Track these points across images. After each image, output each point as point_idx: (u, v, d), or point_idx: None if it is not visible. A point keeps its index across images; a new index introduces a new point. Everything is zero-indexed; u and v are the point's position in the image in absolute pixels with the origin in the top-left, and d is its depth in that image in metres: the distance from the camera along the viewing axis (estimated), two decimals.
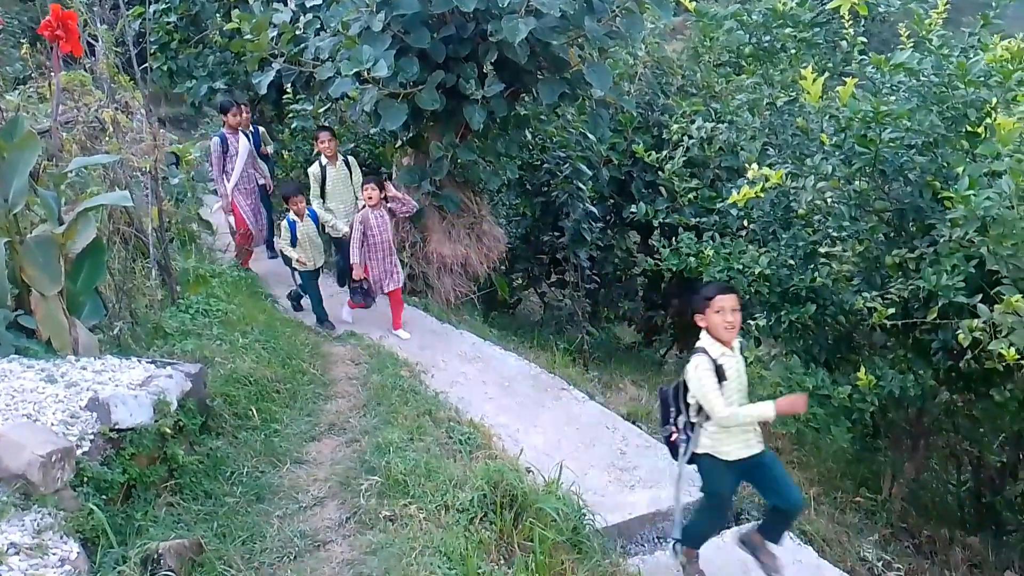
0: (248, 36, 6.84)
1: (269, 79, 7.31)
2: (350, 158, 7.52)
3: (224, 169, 7.45)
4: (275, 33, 7.21)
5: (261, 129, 8.79)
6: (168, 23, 11.00)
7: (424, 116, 6.85)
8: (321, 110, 8.94)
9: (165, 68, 11.35)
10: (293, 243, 6.75)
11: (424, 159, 7.38)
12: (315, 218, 7.02)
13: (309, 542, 3.52)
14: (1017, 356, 3.41)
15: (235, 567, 3.25)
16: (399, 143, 7.80)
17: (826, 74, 4.49)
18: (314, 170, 7.20)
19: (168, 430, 3.64)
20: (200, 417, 4.03)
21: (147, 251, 5.56)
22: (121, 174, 5.35)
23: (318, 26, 7.15)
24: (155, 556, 3.09)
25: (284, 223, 6.80)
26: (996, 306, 3.54)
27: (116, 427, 3.45)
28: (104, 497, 3.29)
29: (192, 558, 3.22)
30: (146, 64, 5.73)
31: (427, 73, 6.34)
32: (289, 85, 8.44)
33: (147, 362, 4.10)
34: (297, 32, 7.34)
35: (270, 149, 9.03)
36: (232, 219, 7.67)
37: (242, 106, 8.06)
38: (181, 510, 3.57)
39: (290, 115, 9.77)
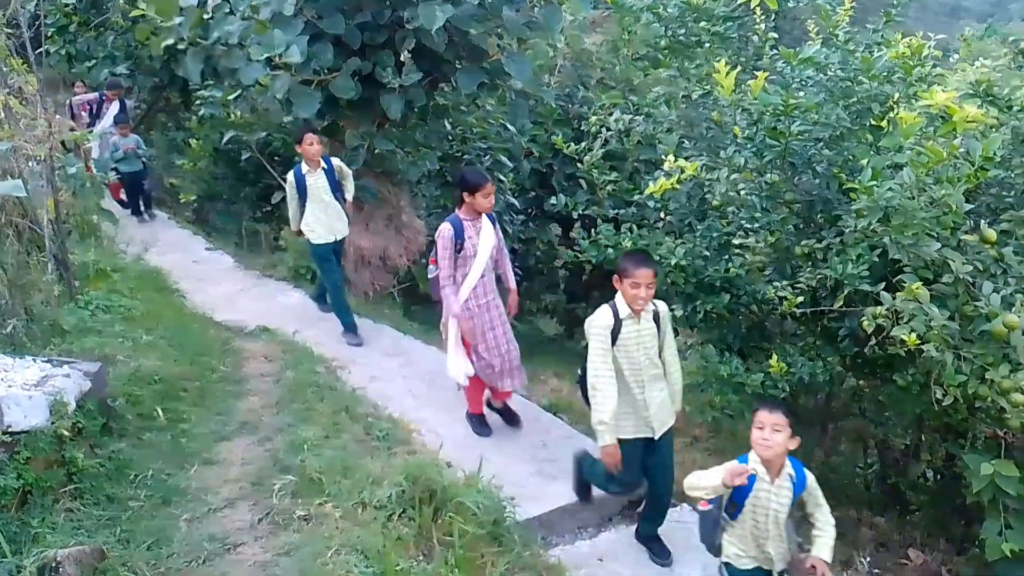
0: (153, 19, 6.54)
1: (200, 66, 6.94)
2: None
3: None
4: (180, 20, 6.90)
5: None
6: (66, 5, 10.42)
7: (339, 104, 6.69)
8: (231, 97, 8.63)
9: (63, 52, 10.76)
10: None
11: (340, 148, 7.22)
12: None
13: (219, 545, 3.39)
14: (918, 341, 3.54)
15: (140, 573, 3.11)
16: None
17: (739, 68, 4.57)
18: (291, 178, 6.13)
19: (66, 432, 3.46)
20: (101, 418, 3.84)
21: (43, 244, 5.27)
22: (14, 163, 5.05)
23: (227, 10, 6.88)
24: (53, 564, 2.95)
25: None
26: (898, 293, 3.67)
27: (9, 430, 3.27)
28: None
29: (94, 565, 3.07)
30: (42, 48, 5.41)
31: (342, 60, 6.19)
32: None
33: (43, 361, 3.89)
34: (205, 16, 7.05)
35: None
36: None
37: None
38: (82, 516, 3.40)
39: (198, 102, 9.41)
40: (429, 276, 4.88)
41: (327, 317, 6.71)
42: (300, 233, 6.31)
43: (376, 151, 7.15)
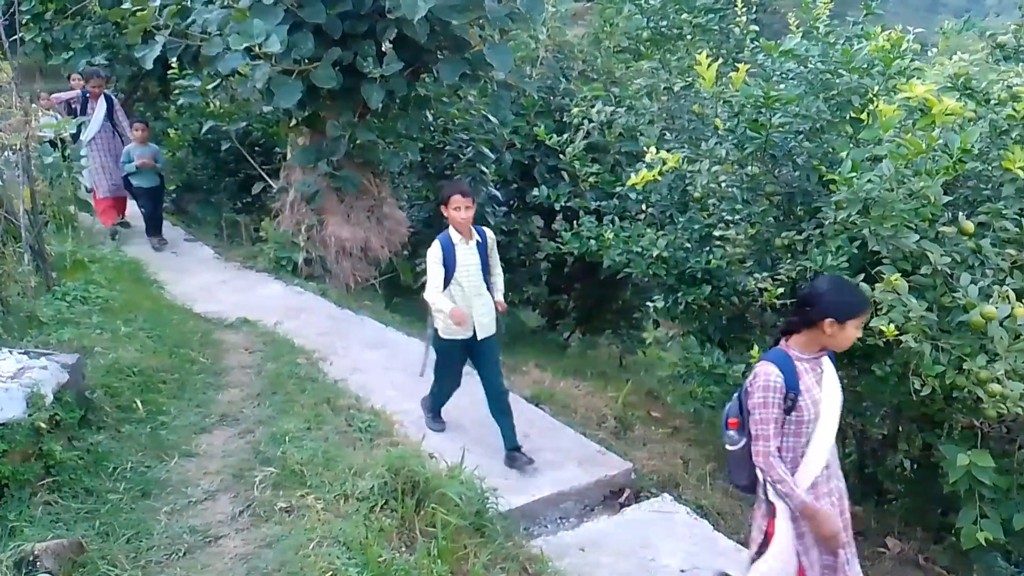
0: (127, 5, 6.44)
1: (155, 54, 6.90)
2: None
3: None
4: (158, 3, 6.82)
5: None
6: None
7: (320, 94, 6.64)
8: (210, 86, 8.54)
9: (39, 40, 10.59)
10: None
11: (321, 139, 7.17)
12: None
13: (200, 537, 3.36)
14: (896, 332, 3.58)
15: (119, 566, 3.08)
16: (294, 122, 7.54)
17: (720, 60, 4.59)
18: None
19: (43, 424, 3.42)
20: (79, 410, 3.79)
21: (19, 235, 5.19)
22: None
23: None
24: (31, 558, 2.92)
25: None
26: (877, 285, 3.71)
27: None
28: None
29: (72, 558, 3.04)
30: (17, 35, 5.32)
31: (323, 50, 6.14)
32: (175, 60, 8.01)
33: (19, 353, 3.84)
34: (184, 3, 6.97)
35: None
36: None
37: None
38: (60, 509, 3.36)
39: (176, 92, 9.29)
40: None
41: (308, 309, 6.67)
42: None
43: (358, 141, 7.11)
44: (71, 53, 10.30)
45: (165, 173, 8.69)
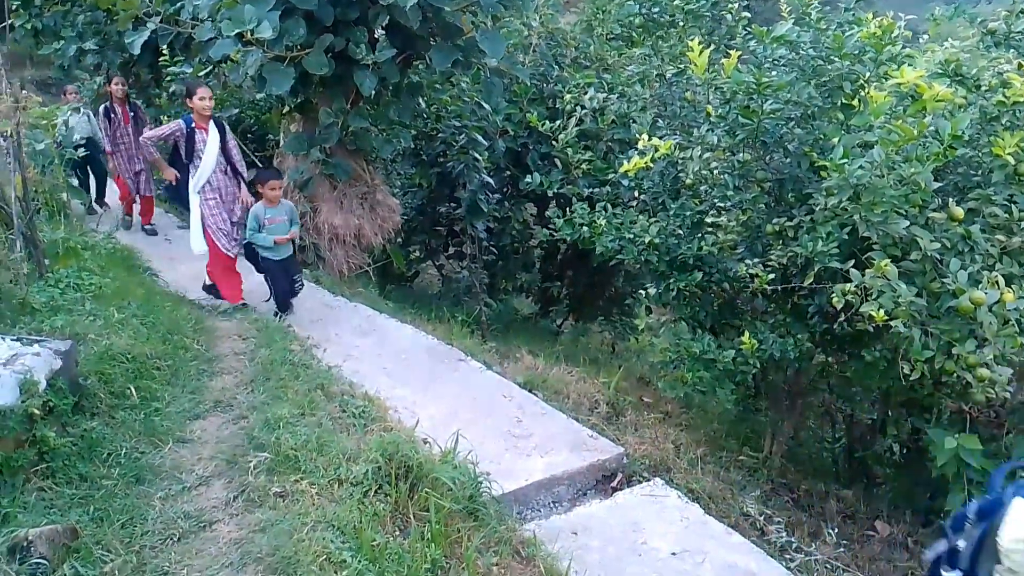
0: None
1: (143, 39, 6.87)
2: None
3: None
4: None
5: None
6: None
7: (312, 81, 6.61)
8: (201, 73, 8.49)
9: (29, 27, 10.48)
10: None
11: (313, 126, 7.15)
12: None
13: (194, 523, 3.38)
14: (886, 318, 3.61)
15: (114, 551, 3.09)
16: (286, 109, 7.52)
17: (712, 47, 4.59)
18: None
19: (37, 411, 3.42)
20: (72, 397, 3.80)
21: (10, 222, 5.17)
22: None
23: None
24: (24, 544, 2.92)
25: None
26: (867, 271, 3.74)
27: None
28: None
29: (66, 544, 3.04)
30: (7, 22, 5.29)
31: (315, 36, 6.11)
32: (166, 46, 7.97)
33: (12, 339, 3.84)
34: None
35: None
36: None
37: None
38: (53, 495, 3.37)
39: (168, 78, 9.25)
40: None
41: (301, 296, 6.67)
42: None
43: (350, 129, 7.09)
44: (62, 41, 10.22)
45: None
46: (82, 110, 9.04)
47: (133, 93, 11.32)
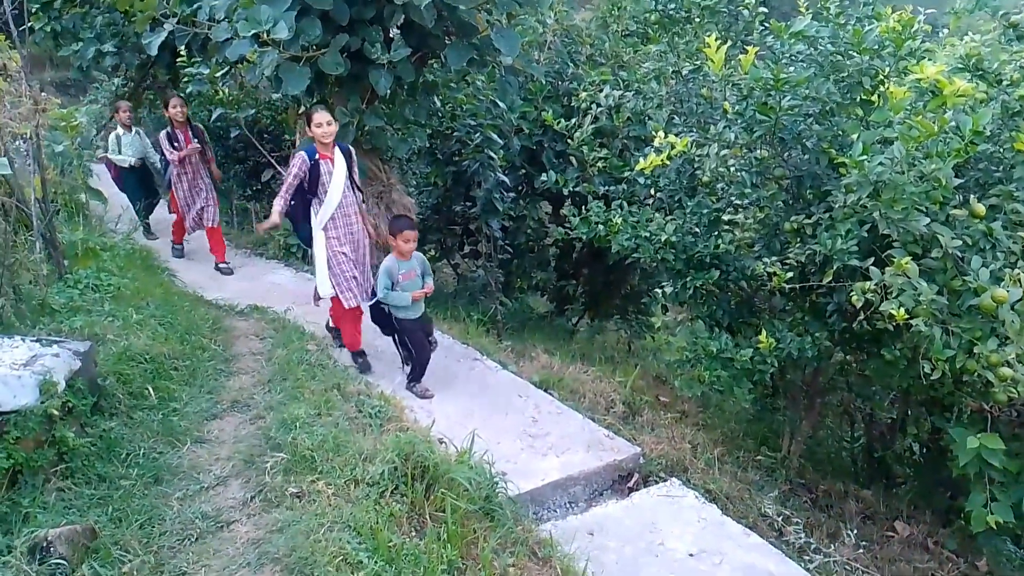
0: None
1: (160, 40, 6.90)
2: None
3: None
4: None
5: None
6: None
7: (328, 80, 6.61)
8: (219, 74, 8.53)
9: (48, 29, 10.57)
10: None
11: None
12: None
13: (211, 523, 3.40)
14: (906, 316, 3.56)
15: (132, 552, 3.12)
16: (302, 108, 7.53)
17: (729, 43, 4.54)
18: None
19: (56, 412, 3.46)
20: (91, 397, 3.83)
21: (30, 223, 5.22)
22: None
23: None
24: (44, 544, 2.96)
25: None
26: (887, 269, 3.69)
27: None
28: None
29: (85, 544, 3.07)
30: (26, 25, 5.33)
31: (330, 36, 6.11)
32: (183, 47, 8.02)
33: (32, 340, 3.88)
34: None
35: None
36: None
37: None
38: (72, 495, 3.41)
39: (185, 79, 9.30)
40: None
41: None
42: None
43: (365, 128, 7.09)
44: (80, 42, 10.29)
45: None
46: (134, 129, 8.52)
47: (151, 95, 11.36)
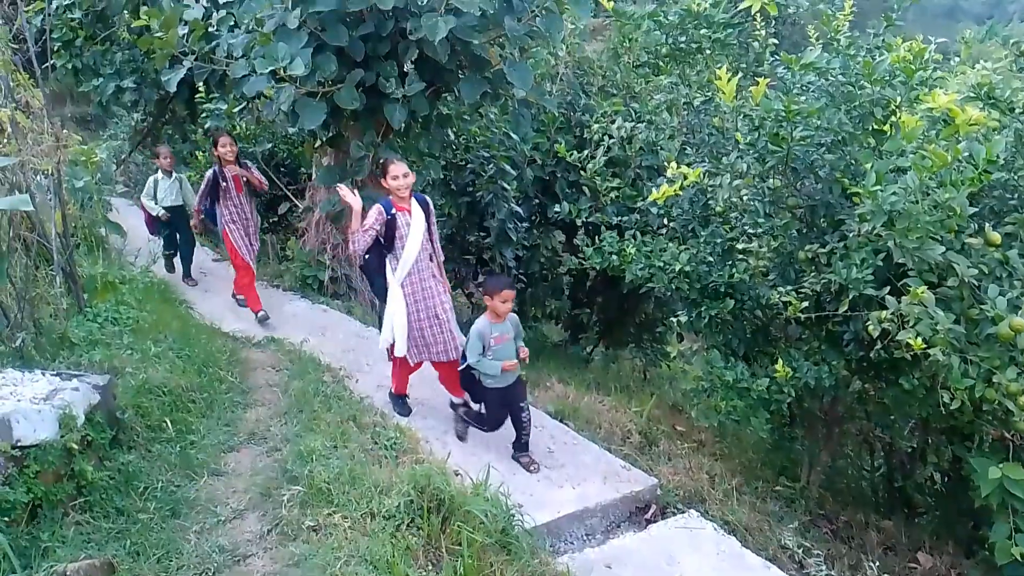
0: (157, 33, 6.58)
1: (179, 76, 7.04)
2: None
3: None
4: (185, 30, 6.97)
5: None
6: (72, 19, 10.48)
7: (344, 115, 6.72)
8: (236, 109, 8.67)
9: (70, 66, 10.82)
10: None
11: (345, 158, 7.25)
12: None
13: (228, 557, 3.41)
14: (923, 345, 3.55)
15: None
16: (318, 142, 7.64)
17: (740, 74, 4.58)
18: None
19: (75, 445, 3.48)
20: (110, 430, 3.87)
21: (51, 257, 5.29)
22: (21, 177, 5.07)
23: (231, 23, 6.93)
24: None
25: None
26: (903, 297, 3.68)
27: (18, 444, 3.30)
28: (6, 519, 3.14)
29: None
30: (49, 62, 5.45)
31: (346, 71, 6.22)
32: (202, 83, 8.17)
33: (52, 374, 3.91)
34: (209, 29, 7.11)
35: None
36: None
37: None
38: (91, 529, 3.43)
39: (203, 114, 9.46)
40: None
41: (334, 326, 6.70)
42: None
43: (381, 161, 7.18)
44: (101, 79, 10.51)
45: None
46: (175, 174, 8.01)
47: (170, 129, 11.45)
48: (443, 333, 5.00)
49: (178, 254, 8.32)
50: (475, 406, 5.05)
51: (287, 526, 3.60)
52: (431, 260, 5.05)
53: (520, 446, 4.85)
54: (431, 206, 5.11)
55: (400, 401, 5.32)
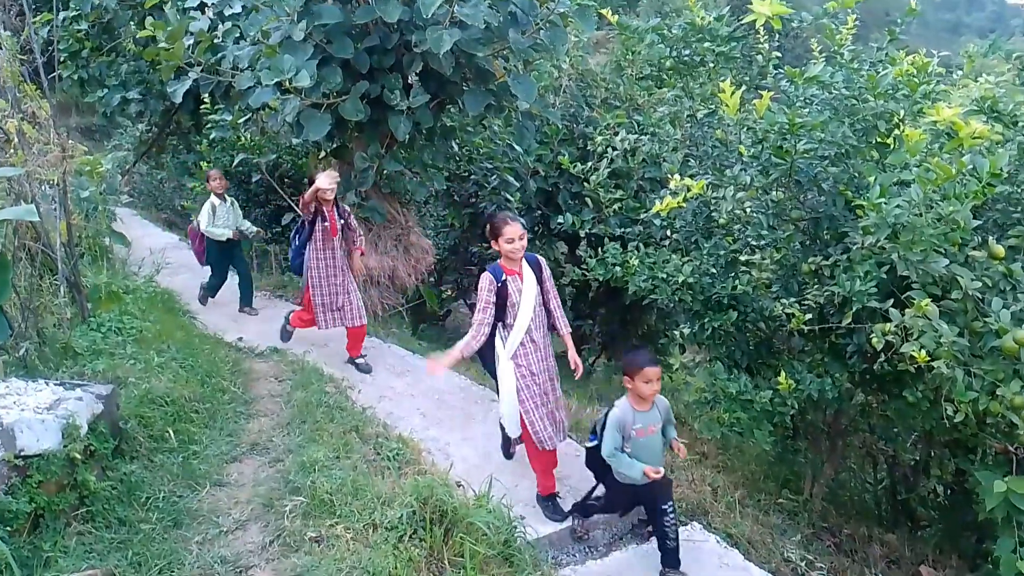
0: (163, 44, 6.62)
1: (185, 88, 7.09)
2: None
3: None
4: (191, 42, 7.01)
5: None
6: (79, 31, 10.55)
7: (348, 126, 6.76)
8: (241, 120, 8.71)
9: (76, 77, 10.89)
10: None
11: (349, 170, 7.28)
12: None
13: (230, 568, 3.40)
14: (927, 358, 3.54)
15: None
16: (323, 154, 7.67)
17: (743, 87, 4.60)
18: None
19: (78, 455, 3.49)
20: (112, 440, 3.87)
21: (55, 267, 5.31)
22: (27, 187, 5.10)
23: (237, 35, 6.98)
24: None
25: None
26: (907, 310, 3.68)
27: (21, 453, 3.30)
28: (8, 528, 3.14)
29: None
30: (55, 73, 5.48)
31: (351, 83, 6.26)
32: (207, 95, 8.21)
33: (55, 384, 3.92)
34: (215, 40, 7.15)
35: None
36: None
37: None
38: (93, 539, 3.42)
39: (208, 125, 9.51)
40: None
41: (336, 337, 6.71)
42: None
43: (385, 172, 7.22)
44: (106, 89, 10.57)
45: None
46: (228, 198, 7.74)
47: (175, 140, 11.44)
48: (559, 411, 4.54)
49: (222, 283, 7.96)
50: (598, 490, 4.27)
51: (289, 537, 3.59)
52: (545, 329, 4.49)
53: (669, 558, 3.91)
54: (544, 266, 4.49)
55: (550, 504, 4.46)
